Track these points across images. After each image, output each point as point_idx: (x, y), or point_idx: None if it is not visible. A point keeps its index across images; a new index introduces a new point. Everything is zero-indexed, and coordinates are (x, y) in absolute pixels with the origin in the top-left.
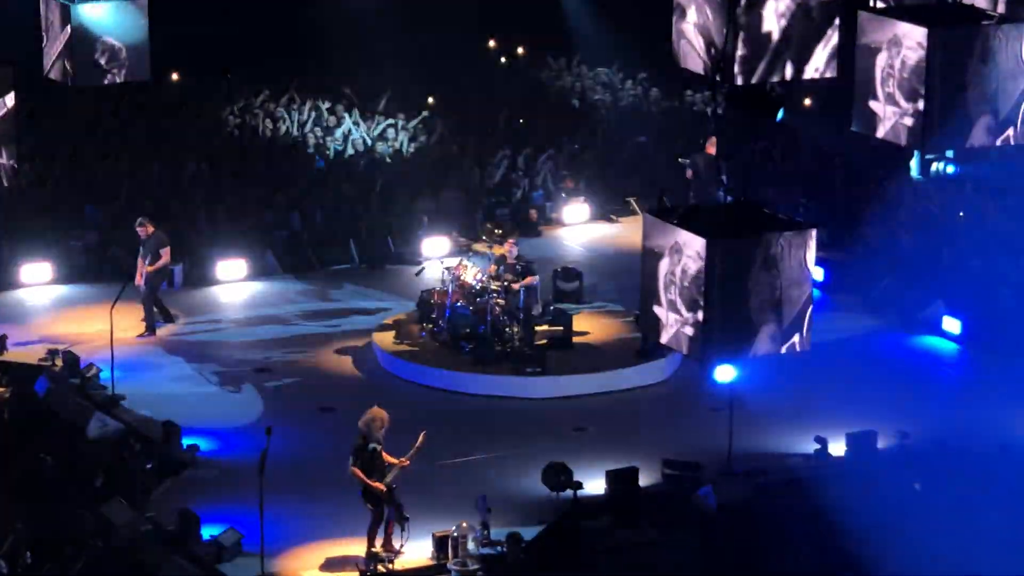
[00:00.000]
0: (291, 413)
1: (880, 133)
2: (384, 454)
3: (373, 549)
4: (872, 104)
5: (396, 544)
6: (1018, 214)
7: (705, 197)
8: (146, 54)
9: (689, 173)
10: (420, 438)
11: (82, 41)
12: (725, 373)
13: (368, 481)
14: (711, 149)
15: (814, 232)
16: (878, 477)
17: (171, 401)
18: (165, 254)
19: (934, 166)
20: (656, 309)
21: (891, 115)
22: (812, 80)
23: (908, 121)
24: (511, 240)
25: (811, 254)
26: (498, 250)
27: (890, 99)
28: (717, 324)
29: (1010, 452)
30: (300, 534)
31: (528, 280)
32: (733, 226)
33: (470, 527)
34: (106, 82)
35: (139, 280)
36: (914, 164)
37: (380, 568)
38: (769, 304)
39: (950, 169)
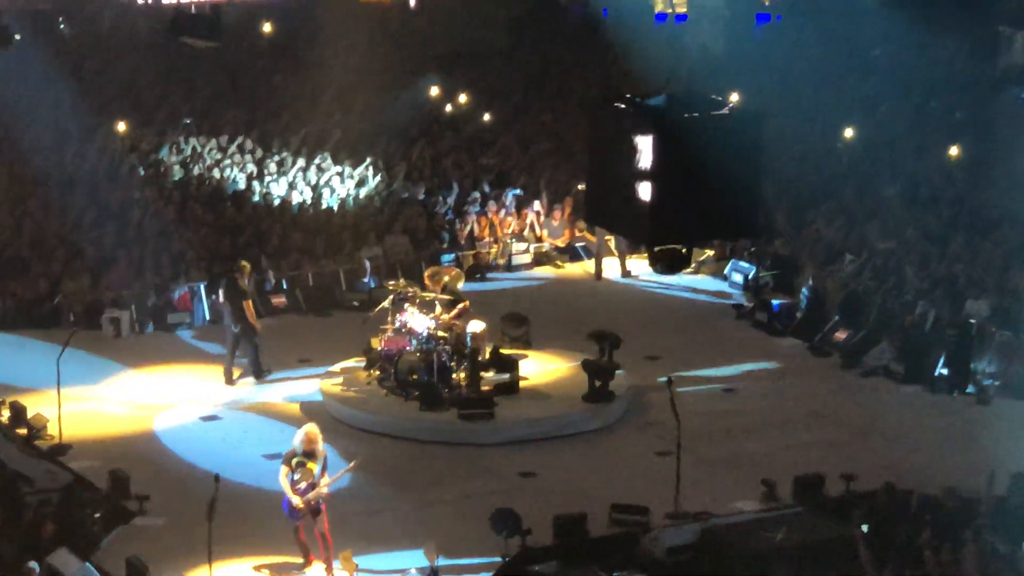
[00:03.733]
0: (239, 461)
1: None
2: (314, 471)
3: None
4: None
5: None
6: (961, 258)
7: None
8: None
9: None
10: (351, 464)
11: None
12: None
13: (288, 491)
14: None
15: None
16: (824, 518)
17: (119, 450)
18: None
19: None
20: None
21: None
22: None
23: None
24: (433, 277)
25: None
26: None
27: None
28: None
29: (955, 493)
30: None
31: (460, 308)
32: None
33: (418, 575)
34: None
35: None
36: None
37: None
38: None
39: None
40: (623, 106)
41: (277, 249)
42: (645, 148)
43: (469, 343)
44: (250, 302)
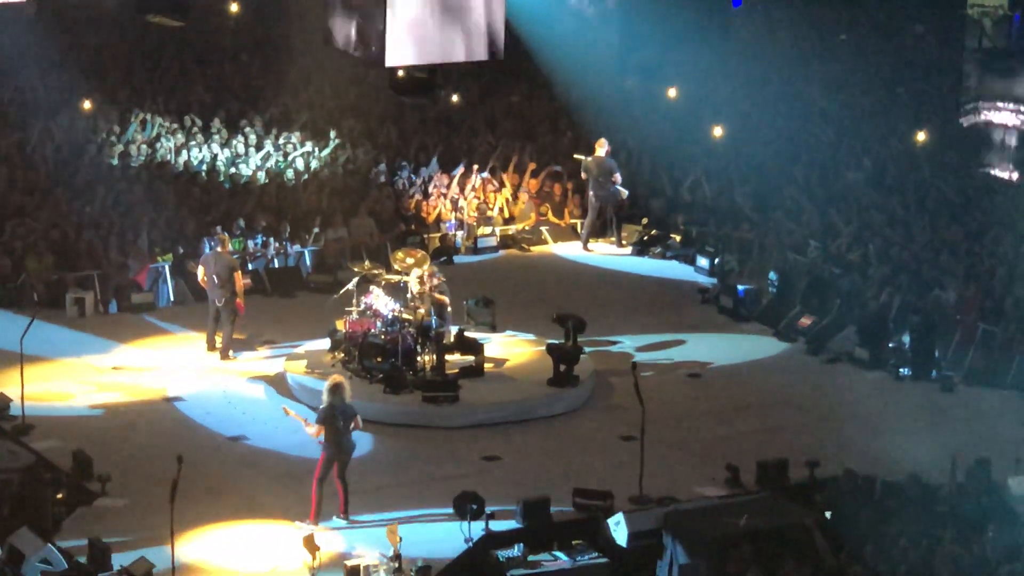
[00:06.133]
0: (202, 442)
1: None
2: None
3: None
4: None
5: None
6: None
7: (599, 192)
8: None
9: (583, 175)
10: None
11: None
12: None
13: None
14: (599, 151)
15: None
16: (787, 504)
17: (82, 430)
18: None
19: None
20: None
21: None
22: None
23: None
24: (429, 270)
25: None
26: (417, 279)
27: None
28: None
29: (919, 480)
30: (212, 563)
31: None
32: None
33: (381, 558)
34: None
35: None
36: None
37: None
38: None
39: None
40: None
41: (244, 230)
42: None
43: (435, 324)
44: (239, 274)
